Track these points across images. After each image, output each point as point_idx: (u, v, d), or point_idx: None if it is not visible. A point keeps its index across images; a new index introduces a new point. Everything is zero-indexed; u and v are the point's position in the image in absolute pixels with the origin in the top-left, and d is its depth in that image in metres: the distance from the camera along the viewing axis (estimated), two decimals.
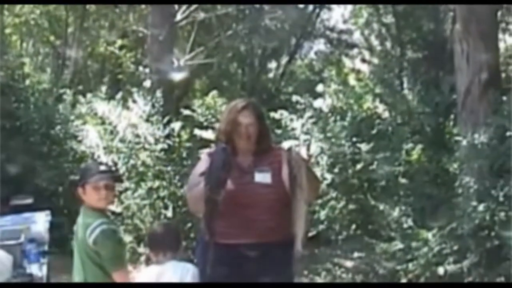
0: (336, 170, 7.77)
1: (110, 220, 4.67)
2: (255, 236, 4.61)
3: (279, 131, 8.04)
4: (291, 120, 8.28)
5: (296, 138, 7.87)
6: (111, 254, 4.42)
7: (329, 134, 7.89)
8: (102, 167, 4.87)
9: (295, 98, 8.56)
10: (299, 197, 4.48)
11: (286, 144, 7.39)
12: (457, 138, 7.45)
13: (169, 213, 9.05)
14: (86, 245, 4.43)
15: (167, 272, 4.50)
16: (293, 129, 8.25)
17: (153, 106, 9.80)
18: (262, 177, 4.65)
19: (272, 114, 8.28)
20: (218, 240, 4.62)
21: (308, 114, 8.31)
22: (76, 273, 4.63)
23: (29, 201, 7.94)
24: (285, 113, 8.35)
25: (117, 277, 4.42)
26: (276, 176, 4.63)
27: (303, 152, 4.57)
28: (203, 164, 4.78)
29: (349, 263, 7.95)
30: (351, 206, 7.76)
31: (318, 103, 8.50)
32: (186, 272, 4.46)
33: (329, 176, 7.65)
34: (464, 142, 7.17)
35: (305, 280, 8.25)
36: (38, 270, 5.79)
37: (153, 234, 4.89)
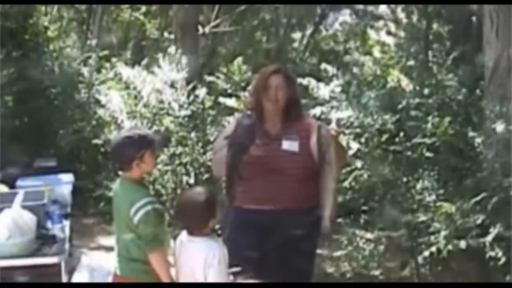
0: (361, 140, 7.73)
1: (155, 199, 4.56)
2: (279, 203, 4.62)
3: (306, 101, 7.97)
4: (318, 88, 8.22)
5: (323, 105, 7.83)
6: (150, 236, 4.33)
7: (355, 104, 7.84)
8: (149, 131, 4.83)
9: (323, 66, 8.50)
10: (328, 174, 4.48)
11: (314, 111, 7.44)
12: (484, 112, 7.38)
13: (191, 180, 9.07)
14: (129, 219, 4.34)
15: (196, 250, 4.40)
16: (319, 97, 8.20)
17: (177, 72, 9.78)
18: (290, 145, 4.63)
19: (299, 80, 8.21)
20: (242, 205, 4.64)
21: (335, 82, 8.26)
22: (117, 241, 4.62)
23: (52, 163, 8.01)
24: (312, 80, 8.29)
25: (153, 258, 4.35)
26: (304, 145, 4.61)
27: (333, 126, 4.52)
28: (229, 128, 4.80)
29: (370, 235, 7.93)
30: (374, 177, 7.72)
31: (344, 72, 8.47)
32: (213, 255, 4.34)
33: (354, 146, 7.60)
34: (491, 116, 7.10)
35: (325, 251, 8.24)
36: (60, 232, 5.80)
37: (181, 205, 4.72)
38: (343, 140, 6.43)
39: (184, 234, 4.51)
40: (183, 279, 4.46)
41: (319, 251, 5.28)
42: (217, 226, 4.70)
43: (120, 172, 4.58)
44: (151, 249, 4.36)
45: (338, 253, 7.90)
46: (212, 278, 4.26)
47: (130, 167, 4.41)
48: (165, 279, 4.39)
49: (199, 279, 4.34)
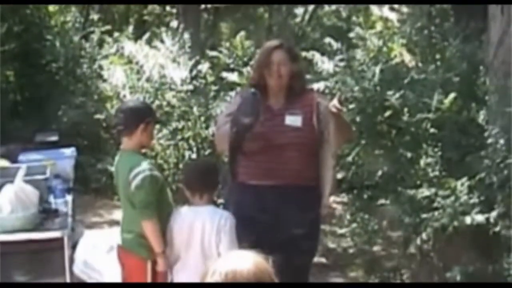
0: (365, 115, 7.69)
1: (153, 166, 4.58)
2: (282, 178, 4.61)
3: (310, 75, 7.91)
4: (322, 62, 8.17)
5: (327, 79, 7.79)
6: (144, 203, 4.35)
7: (360, 79, 7.79)
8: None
9: (327, 40, 8.45)
10: (326, 151, 4.47)
11: (318, 86, 7.40)
12: (488, 87, 7.34)
13: (193, 155, 9.06)
14: (127, 186, 4.37)
15: (204, 218, 4.38)
16: (323, 72, 8.15)
17: (180, 47, 9.74)
18: (293, 120, 4.61)
19: (304, 53, 8.16)
20: (245, 180, 4.63)
21: (338, 57, 8.22)
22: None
23: (54, 137, 7.96)
24: (316, 54, 8.25)
25: (145, 226, 4.38)
26: (308, 120, 4.59)
27: (335, 103, 4.45)
28: (233, 104, 4.78)
29: (374, 210, 7.90)
30: (378, 152, 7.69)
31: (348, 47, 8.42)
32: (225, 221, 4.33)
33: (358, 121, 7.58)
34: (495, 92, 7.06)
35: (328, 226, 8.23)
36: (63, 206, 5.78)
37: (190, 173, 4.72)
38: (346, 115, 6.36)
39: (186, 207, 4.50)
40: (177, 248, 4.44)
41: (321, 226, 5.26)
42: (221, 201, 4.71)
43: (121, 146, 4.58)
44: (144, 217, 4.37)
45: (342, 231, 7.90)
46: (224, 247, 4.24)
47: (135, 132, 4.43)
48: (157, 248, 4.39)
49: (209, 245, 4.30)
